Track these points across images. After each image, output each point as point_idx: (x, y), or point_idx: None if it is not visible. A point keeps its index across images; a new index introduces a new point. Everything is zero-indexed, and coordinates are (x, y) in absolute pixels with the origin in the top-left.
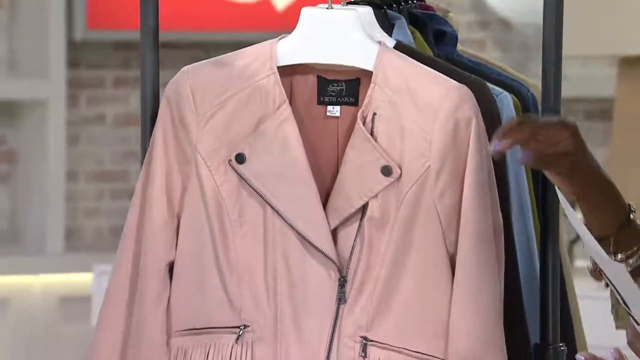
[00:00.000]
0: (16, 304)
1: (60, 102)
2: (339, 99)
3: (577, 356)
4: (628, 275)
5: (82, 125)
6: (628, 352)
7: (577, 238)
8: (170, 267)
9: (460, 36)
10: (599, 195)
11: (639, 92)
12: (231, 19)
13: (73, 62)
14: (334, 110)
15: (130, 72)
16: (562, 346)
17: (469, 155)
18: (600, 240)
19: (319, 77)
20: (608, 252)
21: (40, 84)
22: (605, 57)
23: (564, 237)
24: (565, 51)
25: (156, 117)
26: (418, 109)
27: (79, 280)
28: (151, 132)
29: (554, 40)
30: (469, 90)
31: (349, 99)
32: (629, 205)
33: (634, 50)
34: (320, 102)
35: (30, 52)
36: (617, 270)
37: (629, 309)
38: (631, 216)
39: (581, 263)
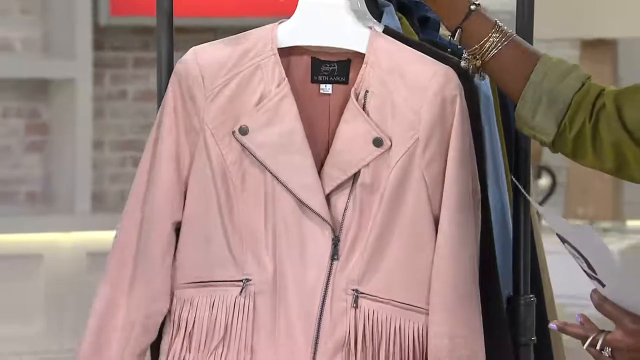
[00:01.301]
0: (49, 258)
1: (87, 80)
2: (331, 78)
3: (550, 325)
4: (598, 236)
5: (106, 100)
6: (598, 315)
7: (544, 200)
8: (177, 227)
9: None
10: None
11: (598, 72)
12: (238, 5)
13: (98, 45)
14: (327, 88)
15: (149, 54)
16: (532, 297)
17: (453, 129)
18: (454, 33)
19: (313, 58)
20: (463, 45)
21: (70, 64)
22: (568, 40)
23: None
24: (535, 35)
25: None
26: (408, 88)
27: (105, 237)
28: None
29: (526, 25)
30: (454, 71)
31: (340, 78)
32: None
33: (593, 34)
34: (313, 81)
35: (61, 36)
36: (582, 232)
37: (594, 272)
38: (472, 7)
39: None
